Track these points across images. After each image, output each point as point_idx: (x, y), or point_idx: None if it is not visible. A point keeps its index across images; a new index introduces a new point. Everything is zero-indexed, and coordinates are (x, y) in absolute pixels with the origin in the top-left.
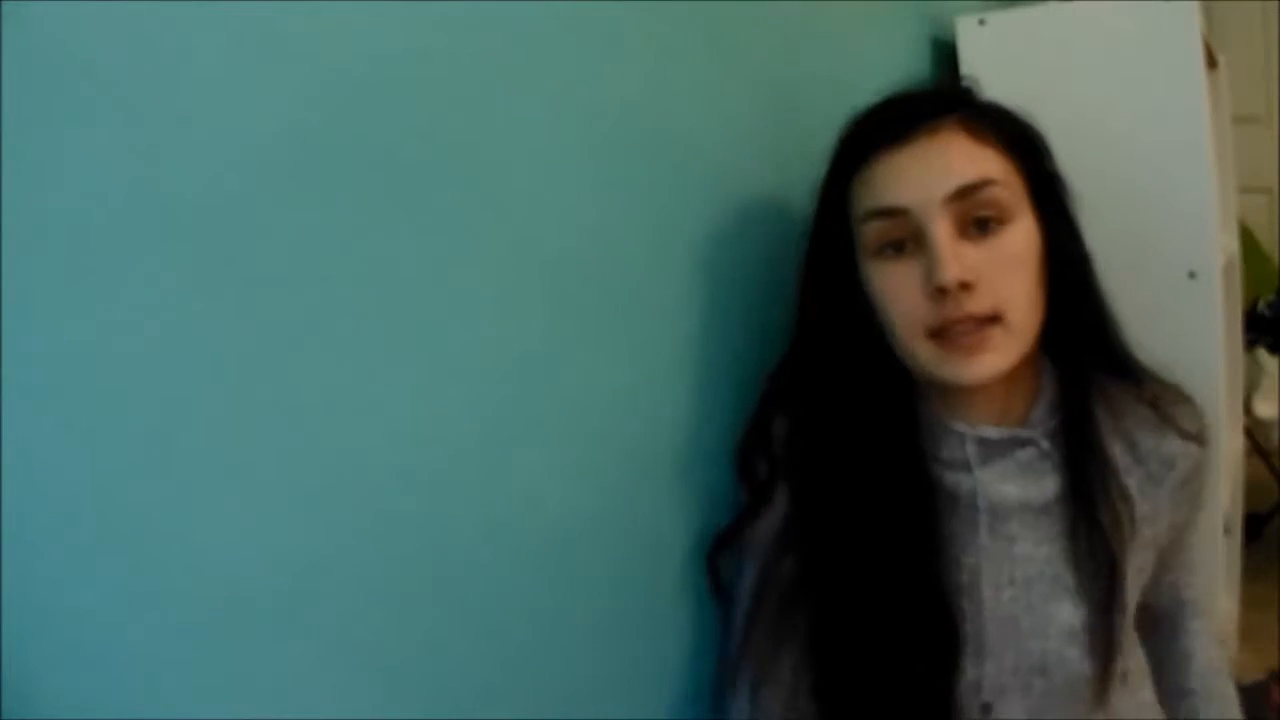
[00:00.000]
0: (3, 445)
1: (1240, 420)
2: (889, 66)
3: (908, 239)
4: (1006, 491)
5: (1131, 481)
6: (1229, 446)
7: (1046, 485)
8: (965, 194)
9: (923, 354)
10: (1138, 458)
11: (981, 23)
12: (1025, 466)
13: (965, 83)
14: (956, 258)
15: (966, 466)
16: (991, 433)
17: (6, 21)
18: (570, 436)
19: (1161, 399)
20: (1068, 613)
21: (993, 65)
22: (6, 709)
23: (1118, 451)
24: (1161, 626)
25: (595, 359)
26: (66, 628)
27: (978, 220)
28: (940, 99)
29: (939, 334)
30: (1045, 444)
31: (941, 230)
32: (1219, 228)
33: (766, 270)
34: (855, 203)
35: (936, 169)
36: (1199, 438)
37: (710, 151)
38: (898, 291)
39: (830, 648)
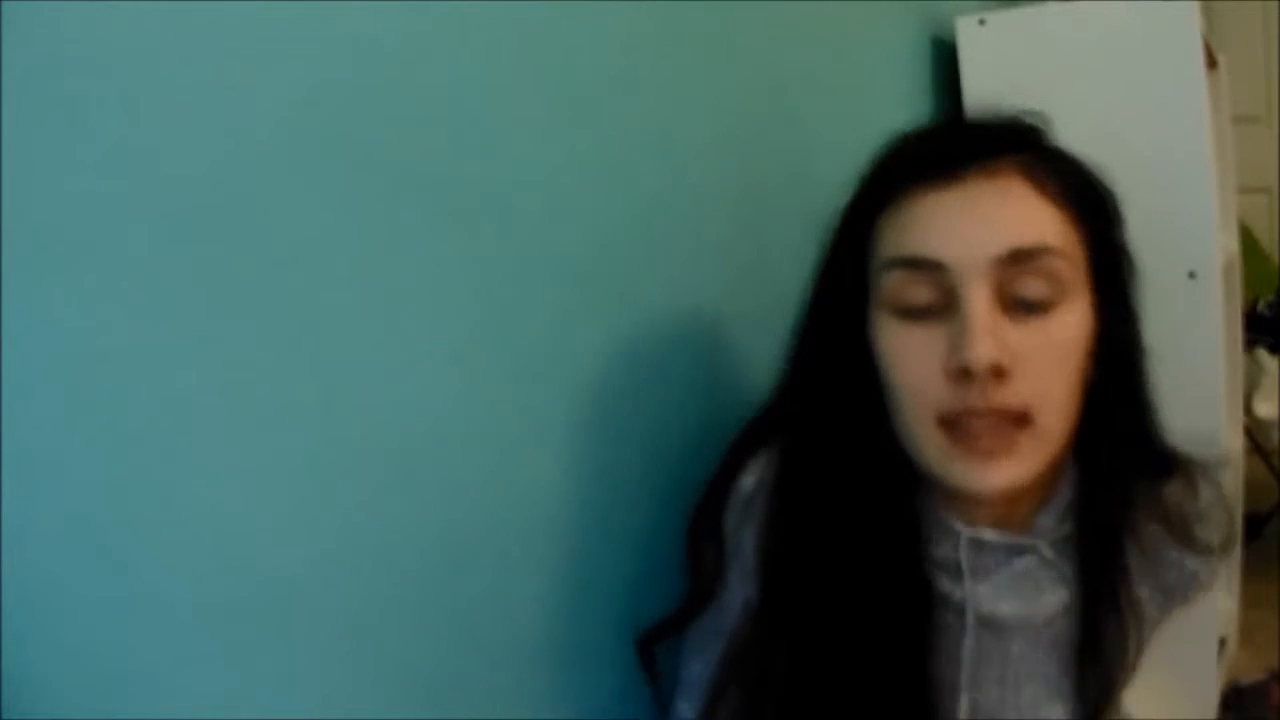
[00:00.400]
0: (3, 445)
1: (1240, 420)
2: (889, 66)
3: (935, 303)
4: (1001, 609)
5: (1144, 592)
6: (1229, 446)
7: (1048, 600)
8: (1018, 259)
9: (928, 445)
10: (1154, 564)
11: (981, 23)
12: (1023, 576)
13: (1032, 119)
14: (993, 333)
15: (958, 572)
16: (989, 535)
17: (6, 21)
18: (572, 436)
19: (1187, 511)
20: (1058, 714)
21: (993, 65)
22: (6, 709)
23: (1133, 559)
24: None
25: (596, 359)
26: (66, 628)
27: (1024, 300)
28: (1001, 134)
29: (952, 424)
30: (1049, 553)
31: (979, 297)
32: (1219, 228)
33: (769, 272)
34: (878, 244)
35: (988, 221)
36: (1226, 548)
37: (709, 151)
38: (910, 361)
39: None
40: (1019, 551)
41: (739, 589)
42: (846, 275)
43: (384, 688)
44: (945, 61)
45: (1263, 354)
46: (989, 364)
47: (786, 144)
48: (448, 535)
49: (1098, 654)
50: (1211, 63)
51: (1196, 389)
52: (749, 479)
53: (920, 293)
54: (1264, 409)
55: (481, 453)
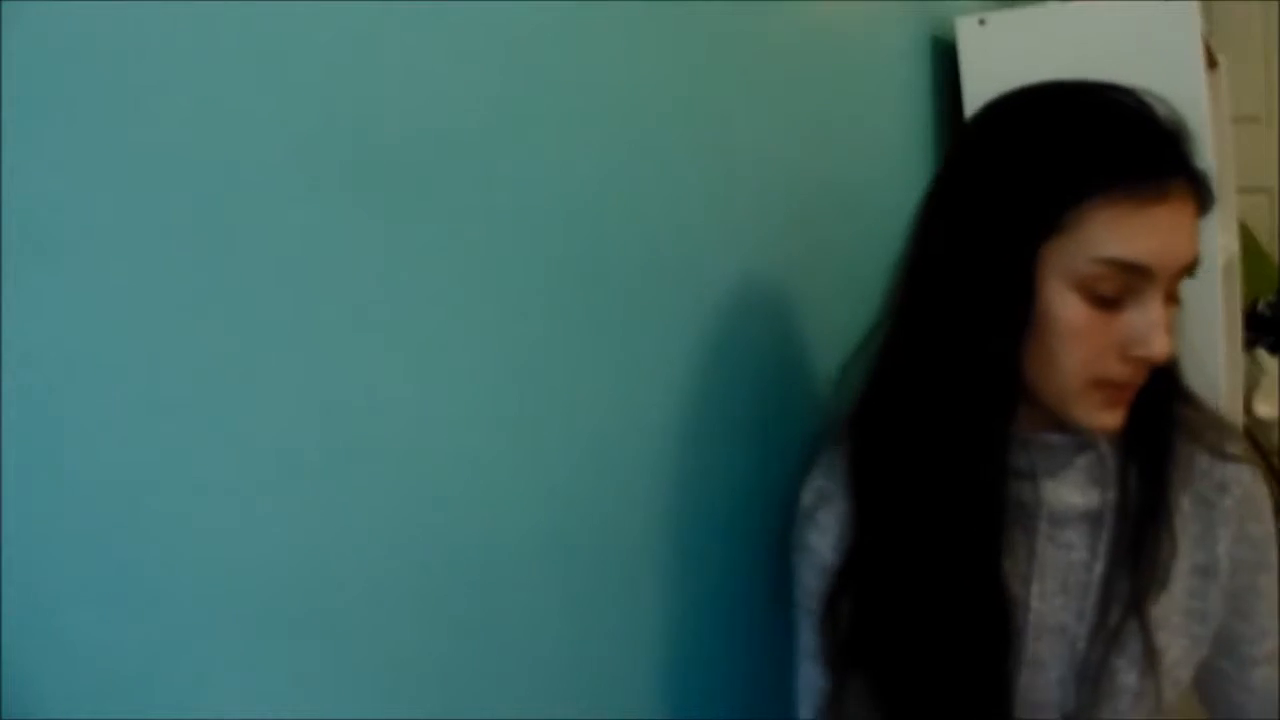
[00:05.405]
0: (2, 445)
1: (1240, 420)
2: (889, 66)
3: (1120, 295)
4: (1069, 499)
5: (1184, 503)
6: None
7: (1105, 496)
8: (1183, 272)
9: (1075, 396)
10: (1189, 475)
11: (981, 23)
12: (1083, 471)
13: (1184, 125)
14: (1167, 329)
15: (1031, 474)
16: (1056, 438)
17: (6, 21)
18: (571, 438)
19: (1209, 426)
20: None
21: (993, 65)
22: (6, 709)
23: (1171, 471)
24: None
25: (597, 361)
26: (66, 628)
27: (1169, 295)
28: (1184, 149)
29: (1105, 385)
30: (1106, 449)
31: (1161, 299)
32: (1219, 228)
33: (773, 272)
34: (1084, 231)
35: (1182, 240)
36: (1248, 459)
37: (711, 152)
38: (1090, 338)
39: (887, 664)
40: (1081, 448)
41: (813, 564)
42: (1024, 227)
43: (386, 687)
44: (945, 61)
45: (1263, 354)
46: (1166, 357)
47: (788, 144)
48: (449, 534)
49: (1136, 546)
50: (1211, 63)
51: (1197, 389)
52: (808, 495)
53: (1113, 286)
54: (1264, 409)
55: (482, 452)
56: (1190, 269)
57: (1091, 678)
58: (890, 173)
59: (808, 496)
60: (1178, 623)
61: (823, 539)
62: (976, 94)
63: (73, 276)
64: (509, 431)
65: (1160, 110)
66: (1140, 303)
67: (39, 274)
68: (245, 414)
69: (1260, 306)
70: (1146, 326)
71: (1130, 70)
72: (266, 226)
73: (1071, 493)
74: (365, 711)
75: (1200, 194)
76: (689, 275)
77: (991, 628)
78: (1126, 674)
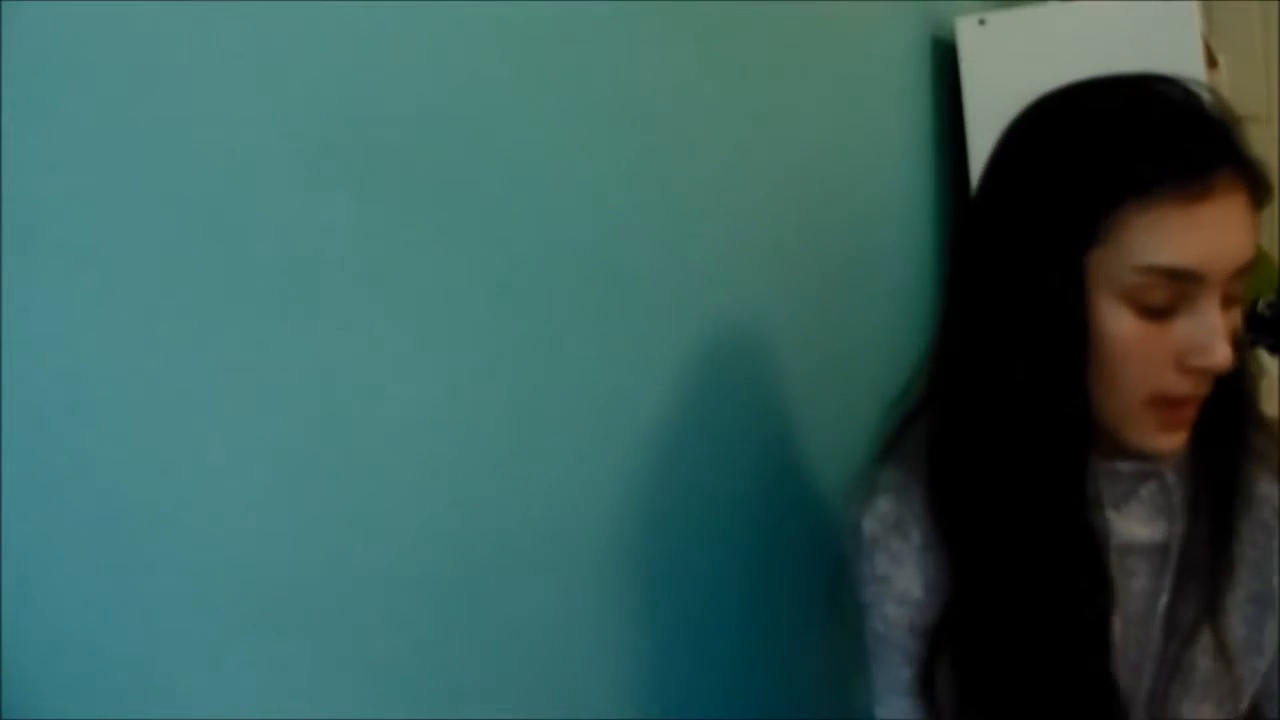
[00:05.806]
0: (3, 445)
1: None
2: (889, 66)
3: (1171, 304)
4: (1135, 531)
5: (1241, 525)
6: None
7: (1171, 528)
8: (1241, 272)
9: (1132, 417)
10: (1250, 500)
11: (981, 23)
12: (1147, 502)
13: (1231, 114)
14: (1226, 336)
15: (1099, 503)
16: (1123, 466)
17: (6, 21)
18: (566, 436)
19: (1272, 449)
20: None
21: (993, 65)
22: (6, 709)
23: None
24: None
25: (594, 358)
26: (66, 628)
27: (1230, 300)
28: (1230, 135)
29: (1163, 404)
30: (1171, 478)
31: (1217, 304)
32: None
33: (770, 269)
34: (1130, 242)
35: (1234, 239)
36: None
37: (708, 151)
38: (1143, 352)
39: (1003, 710)
40: (1144, 478)
41: (893, 595)
42: (1063, 239)
43: (385, 689)
44: (945, 61)
45: (1263, 354)
46: (1229, 365)
47: (786, 143)
48: (447, 533)
49: (1201, 579)
50: (1211, 63)
51: None
52: (871, 521)
53: (1163, 295)
54: (1264, 409)
55: (482, 451)
56: (1249, 267)
57: (1154, 706)
58: (890, 171)
59: (872, 522)
60: (1234, 653)
61: (900, 569)
62: (976, 94)
63: (71, 276)
64: (502, 429)
65: (1204, 99)
66: (1194, 310)
67: (38, 274)
68: (242, 412)
69: (1260, 306)
70: (1204, 335)
71: (1130, 70)
72: (266, 224)
73: (1137, 526)
74: (364, 710)
75: (1253, 185)
76: (686, 271)
77: (1098, 664)
78: (1185, 703)
